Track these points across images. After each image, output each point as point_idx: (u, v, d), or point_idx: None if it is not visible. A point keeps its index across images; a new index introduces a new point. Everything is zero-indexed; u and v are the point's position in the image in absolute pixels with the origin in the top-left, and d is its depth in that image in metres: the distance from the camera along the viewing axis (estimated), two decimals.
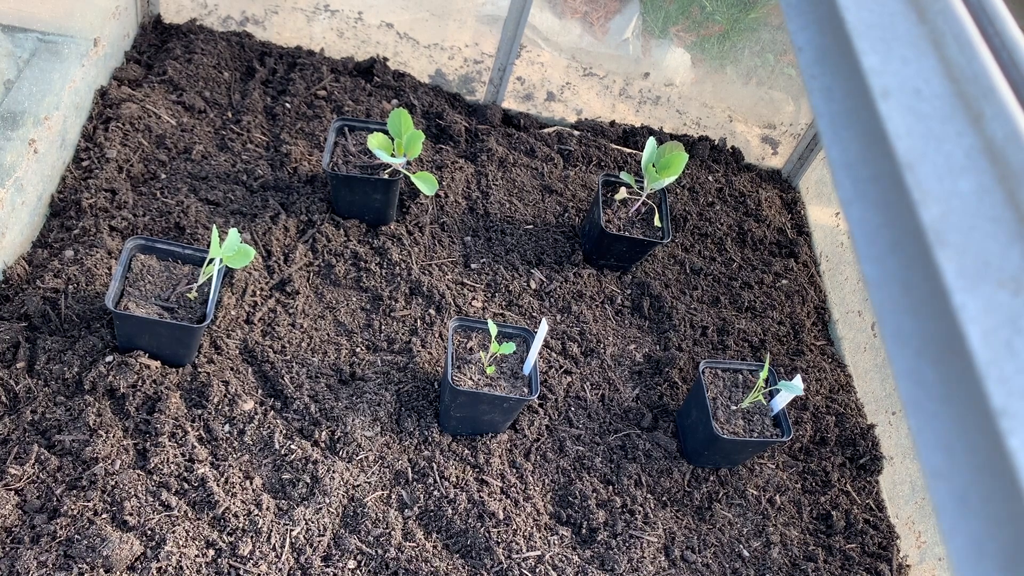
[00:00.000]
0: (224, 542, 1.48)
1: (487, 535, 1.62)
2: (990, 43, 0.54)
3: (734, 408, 1.86)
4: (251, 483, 1.57)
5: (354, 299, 1.93)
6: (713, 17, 2.73)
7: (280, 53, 2.38)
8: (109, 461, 1.52)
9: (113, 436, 1.54)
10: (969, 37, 0.52)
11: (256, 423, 1.65)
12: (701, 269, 2.30)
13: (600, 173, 2.28)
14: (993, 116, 0.49)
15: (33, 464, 1.49)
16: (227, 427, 1.63)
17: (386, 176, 1.96)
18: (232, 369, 1.72)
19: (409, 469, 1.69)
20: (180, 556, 1.43)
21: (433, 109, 2.39)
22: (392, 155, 1.89)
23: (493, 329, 1.72)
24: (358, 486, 1.63)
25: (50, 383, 1.59)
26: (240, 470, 1.59)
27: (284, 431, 1.65)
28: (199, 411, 1.63)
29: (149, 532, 1.45)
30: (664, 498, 1.83)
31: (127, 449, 1.55)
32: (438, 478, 1.68)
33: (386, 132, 1.91)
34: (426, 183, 1.89)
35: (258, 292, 1.86)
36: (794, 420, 2.05)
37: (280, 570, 1.48)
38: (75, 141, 1.97)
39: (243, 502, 1.54)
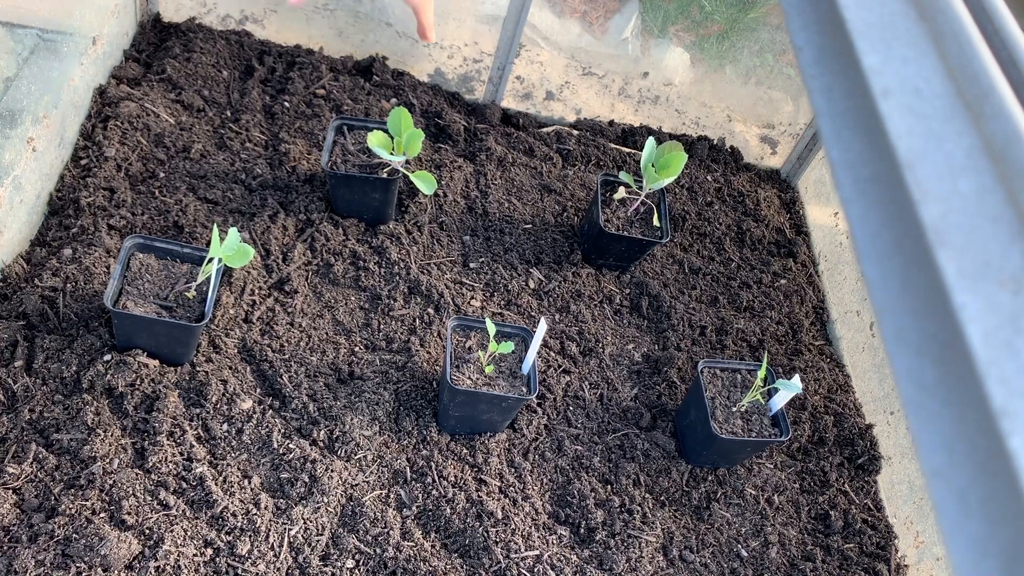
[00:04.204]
0: (222, 541, 1.48)
1: (485, 534, 1.62)
2: (990, 42, 0.54)
3: (733, 408, 1.85)
4: (249, 482, 1.57)
5: (353, 298, 1.93)
6: (712, 17, 2.73)
7: (279, 52, 2.37)
8: (107, 460, 1.52)
9: (111, 435, 1.54)
10: (969, 36, 0.52)
11: (254, 422, 1.65)
12: (700, 269, 2.30)
13: (599, 173, 2.28)
14: (993, 115, 0.49)
15: (31, 463, 1.48)
16: (225, 426, 1.63)
17: (385, 175, 1.96)
18: (230, 368, 1.72)
19: (407, 468, 1.69)
20: (178, 555, 1.43)
21: (432, 108, 2.39)
22: (391, 153, 1.88)
23: (491, 328, 1.71)
24: (356, 485, 1.63)
25: (48, 382, 1.59)
26: (238, 469, 1.59)
27: (282, 430, 1.65)
28: (197, 410, 1.63)
29: (147, 531, 1.45)
30: (662, 498, 1.83)
31: (125, 448, 1.55)
32: (436, 477, 1.68)
33: (385, 131, 1.91)
34: (425, 182, 1.89)
35: (257, 291, 1.86)
36: (792, 420, 2.05)
37: (278, 569, 1.48)
38: (74, 140, 1.96)
39: (241, 501, 1.54)
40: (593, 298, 2.13)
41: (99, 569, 1.38)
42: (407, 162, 1.95)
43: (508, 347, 1.73)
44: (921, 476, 1.96)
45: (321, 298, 1.91)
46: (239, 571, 1.46)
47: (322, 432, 1.67)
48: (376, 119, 2.11)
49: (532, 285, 2.09)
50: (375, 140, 1.85)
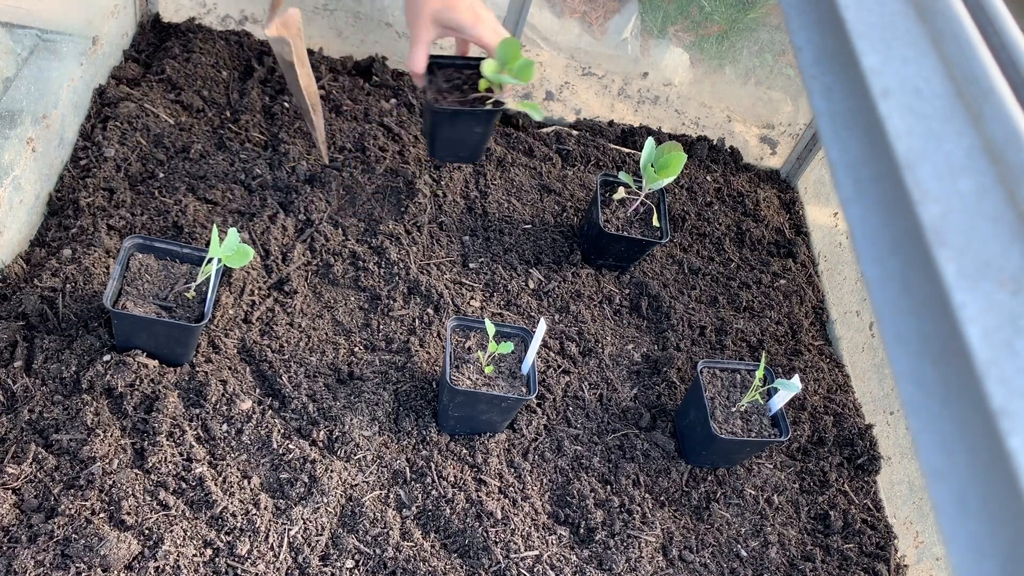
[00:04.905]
0: (222, 541, 1.48)
1: (485, 535, 1.62)
2: (989, 43, 0.54)
3: (732, 408, 1.86)
4: (249, 483, 1.57)
5: (352, 299, 1.93)
6: (712, 17, 2.73)
7: None
8: (107, 460, 1.52)
9: (111, 435, 1.54)
10: (969, 37, 0.52)
11: (254, 422, 1.65)
12: (699, 269, 2.30)
13: (598, 173, 2.28)
14: (993, 116, 0.49)
15: (31, 463, 1.48)
16: (225, 426, 1.63)
17: (489, 107, 1.95)
18: (230, 368, 1.72)
19: (407, 469, 1.69)
20: (178, 555, 1.43)
21: None
22: (500, 87, 1.90)
23: (491, 328, 1.72)
24: (356, 486, 1.63)
25: (48, 382, 1.59)
26: (238, 469, 1.59)
27: (282, 431, 1.65)
28: (197, 410, 1.63)
29: (147, 531, 1.45)
30: (662, 498, 1.83)
31: (125, 448, 1.55)
32: (436, 478, 1.68)
33: (476, 65, 1.90)
34: (534, 110, 1.88)
35: (256, 291, 1.86)
36: (792, 420, 2.05)
37: (278, 570, 1.48)
38: (73, 140, 1.96)
39: (241, 501, 1.54)
40: (592, 298, 2.13)
41: (99, 569, 1.38)
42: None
43: (508, 347, 1.73)
44: (921, 476, 1.96)
45: (321, 298, 1.91)
46: (239, 571, 1.46)
47: (322, 432, 1.67)
48: (462, 58, 2.05)
49: (531, 285, 2.09)
50: (489, 68, 1.83)
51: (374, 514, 1.59)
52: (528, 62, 1.84)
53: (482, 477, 1.71)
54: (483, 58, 1.88)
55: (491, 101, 1.96)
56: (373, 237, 2.03)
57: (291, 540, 1.52)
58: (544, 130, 2.49)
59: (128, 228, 1.85)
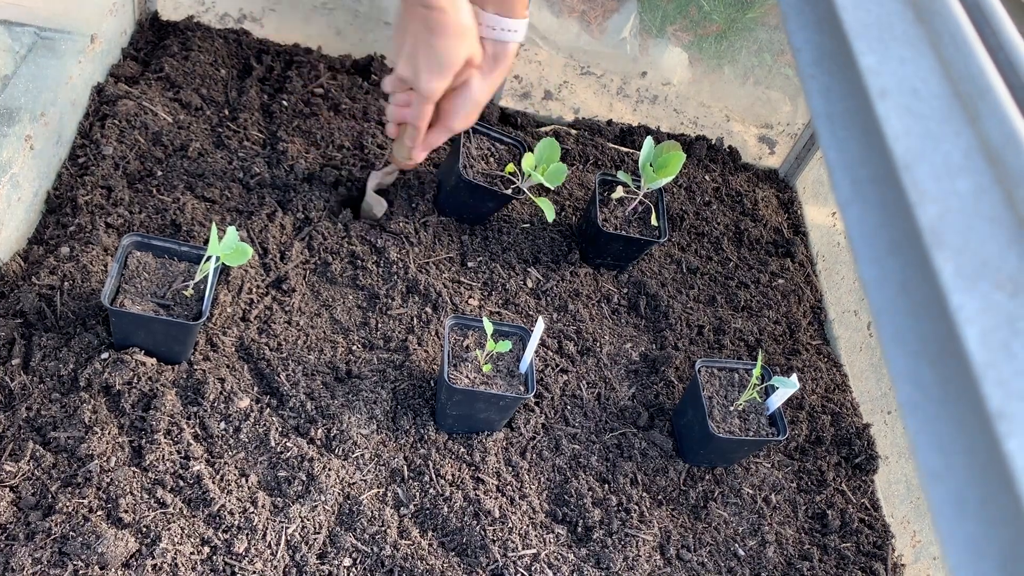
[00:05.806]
0: (219, 539, 1.48)
1: (483, 533, 1.62)
2: (987, 43, 0.54)
3: (730, 407, 1.86)
4: (247, 481, 1.57)
5: (350, 297, 1.93)
6: (711, 17, 2.73)
7: (277, 51, 2.37)
8: (104, 458, 1.51)
9: (108, 433, 1.54)
10: (966, 37, 0.53)
11: (252, 421, 1.65)
12: (698, 268, 2.30)
13: (597, 172, 2.28)
14: (990, 116, 0.49)
15: (28, 461, 1.48)
16: (223, 424, 1.63)
17: (508, 192, 2.04)
18: (228, 367, 1.72)
19: (405, 467, 1.69)
20: (175, 553, 1.43)
21: None
22: (527, 177, 2.03)
23: (489, 327, 1.71)
24: (354, 484, 1.63)
25: (45, 380, 1.59)
26: (236, 467, 1.59)
27: (280, 429, 1.65)
28: (195, 408, 1.63)
29: (144, 529, 1.45)
30: (660, 497, 1.83)
31: (122, 446, 1.55)
32: (434, 476, 1.68)
33: (523, 149, 2.05)
34: (548, 209, 2.00)
35: (254, 290, 1.85)
36: (790, 419, 2.05)
37: (276, 568, 1.48)
38: (71, 138, 1.96)
39: (238, 499, 1.54)
40: (591, 297, 2.13)
41: (96, 567, 1.38)
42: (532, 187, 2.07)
43: (506, 346, 1.73)
44: (918, 476, 1.96)
45: (319, 297, 1.91)
46: (236, 569, 1.46)
47: (319, 431, 1.67)
48: (497, 129, 2.17)
49: (530, 284, 2.09)
50: (528, 163, 1.97)
51: (372, 512, 1.59)
52: (560, 167, 1.98)
53: (480, 476, 1.71)
54: (522, 141, 2.05)
55: (513, 187, 2.06)
56: (372, 236, 2.03)
57: (289, 538, 1.52)
58: (543, 129, 2.49)
59: (126, 226, 1.85)
